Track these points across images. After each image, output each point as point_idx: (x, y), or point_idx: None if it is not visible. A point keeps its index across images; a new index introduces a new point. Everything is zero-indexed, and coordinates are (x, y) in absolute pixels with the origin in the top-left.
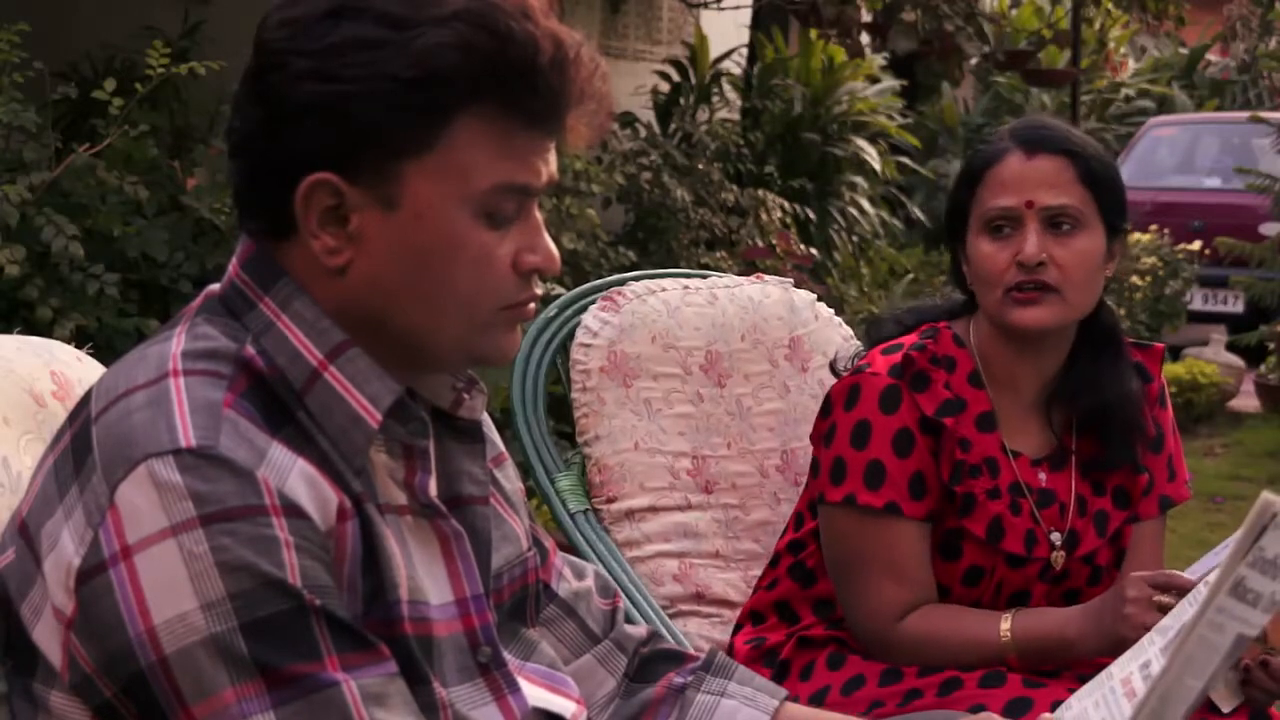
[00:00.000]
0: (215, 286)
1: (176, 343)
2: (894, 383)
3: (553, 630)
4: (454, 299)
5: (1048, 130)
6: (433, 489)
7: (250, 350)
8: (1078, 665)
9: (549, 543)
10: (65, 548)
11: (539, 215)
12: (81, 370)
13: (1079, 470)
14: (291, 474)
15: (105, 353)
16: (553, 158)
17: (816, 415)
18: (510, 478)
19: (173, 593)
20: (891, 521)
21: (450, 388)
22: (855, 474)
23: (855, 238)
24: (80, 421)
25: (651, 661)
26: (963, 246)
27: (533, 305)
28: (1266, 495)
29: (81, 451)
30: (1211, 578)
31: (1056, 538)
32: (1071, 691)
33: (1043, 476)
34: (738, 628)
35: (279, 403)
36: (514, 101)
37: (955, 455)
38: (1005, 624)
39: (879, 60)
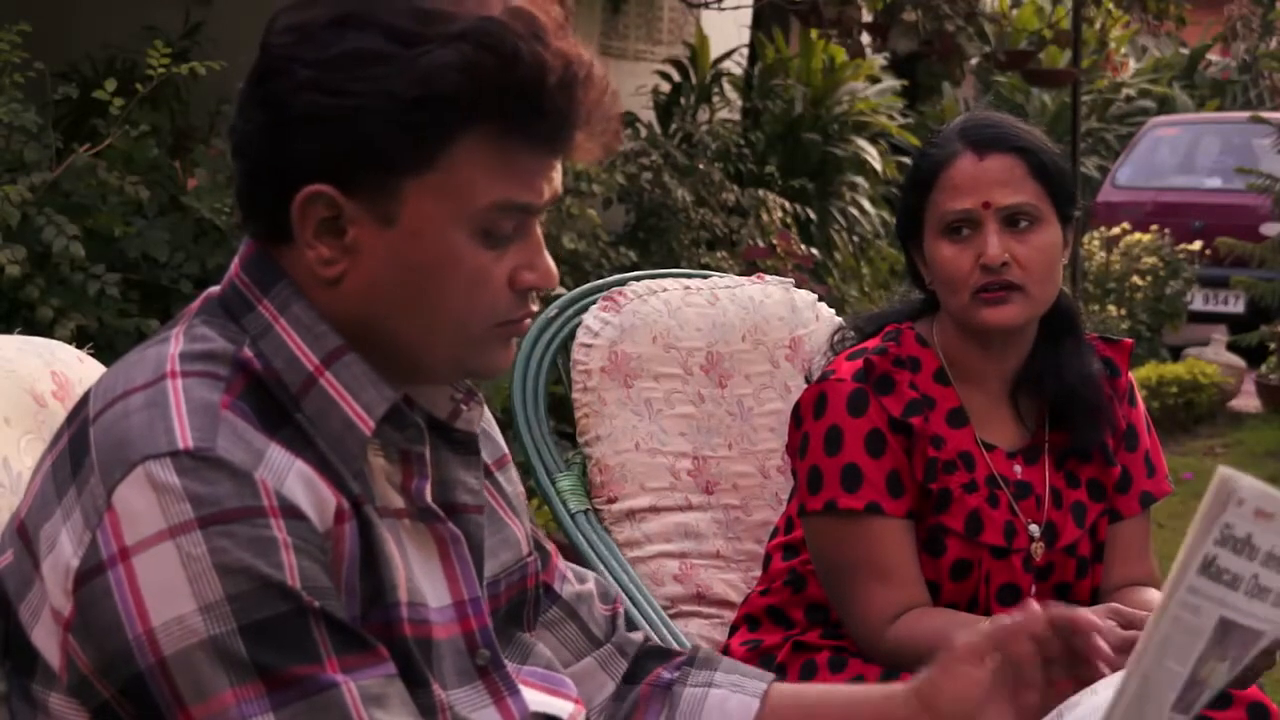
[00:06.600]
0: (215, 289)
1: (174, 344)
2: (859, 387)
3: (554, 633)
4: (447, 316)
5: (996, 129)
6: (428, 494)
7: (248, 353)
8: None
9: (551, 546)
10: (63, 549)
11: (539, 232)
12: (82, 370)
13: (1052, 462)
14: (289, 475)
15: (106, 353)
16: (556, 174)
17: (789, 427)
18: (512, 480)
19: (171, 595)
20: (874, 522)
21: (449, 398)
22: (832, 480)
23: (856, 238)
24: (78, 423)
25: (639, 660)
26: (917, 248)
27: (528, 321)
28: (1223, 470)
29: (79, 453)
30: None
31: (1035, 529)
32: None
33: (1018, 469)
34: (733, 630)
35: (277, 404)
36: (518, 123)
37: (928, 453)
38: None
39: (880, 60)
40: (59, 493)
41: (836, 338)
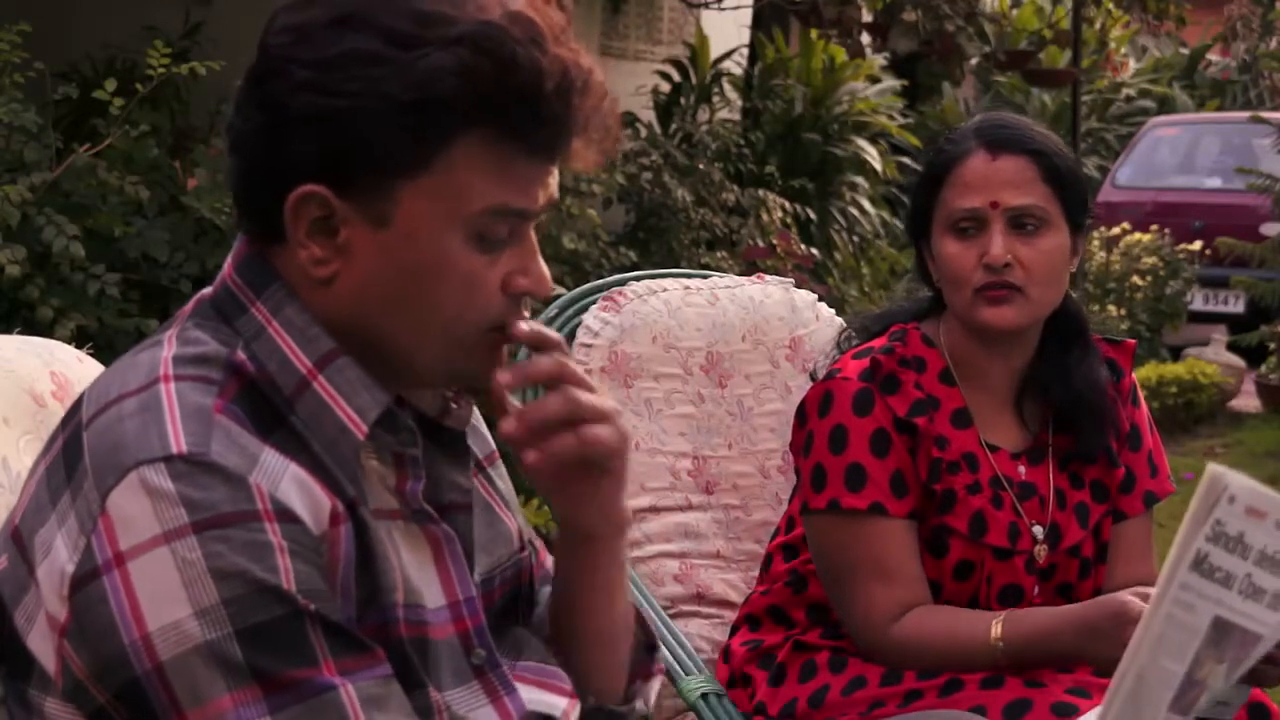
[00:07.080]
0: (207, 290)
1: (167, 348)
2: (865, 386)
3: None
4: (438, 319)
5: (1011, 129)
6: (422, 496)
7: (241, 355)
8: (1078, 668)
9: (539, 543)
10: (58, 555)
11: (534, 238)
12: (82, 371)
13: (1056, 463)
14: (284, 479)
15: (105, 353)
16: (553, 180)
17: (793, 425)
18: (503, 476)
19: (166, 600)
20: (877, 521)
21: (440, 396)
22: (836, 479)
23: (856, 238)
24: (71, 427)
25: None
26: (927, 245)
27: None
28: (1213, 467)
29: (73, 458)
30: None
31: (1038, 531)
32: (1070, 693)
33: (1022, 470)
34: (734, 630)
35: (270, 408)
36: (514, 128)
37: (932, 453)
38: (996, 630)
39: (880, 60)
40: (53, 498)
41: (842, 337)
